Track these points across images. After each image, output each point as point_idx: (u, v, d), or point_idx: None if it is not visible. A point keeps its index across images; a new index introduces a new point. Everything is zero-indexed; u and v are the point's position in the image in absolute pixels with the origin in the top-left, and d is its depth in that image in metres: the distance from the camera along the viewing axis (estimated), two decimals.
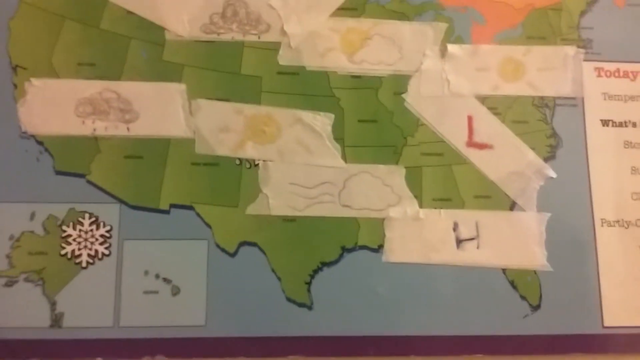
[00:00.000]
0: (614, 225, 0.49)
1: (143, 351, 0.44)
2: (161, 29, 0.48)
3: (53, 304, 0.44)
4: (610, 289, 0.48)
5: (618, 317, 0.48)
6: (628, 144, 0.50)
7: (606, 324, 0.47)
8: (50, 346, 0.44)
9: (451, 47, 0.49)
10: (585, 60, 0.50)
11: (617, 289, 0.48)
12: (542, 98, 0.50)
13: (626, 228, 0.49)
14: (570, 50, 0.50)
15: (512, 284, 0.47)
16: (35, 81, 0.46)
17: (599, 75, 0.51)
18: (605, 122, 0.50)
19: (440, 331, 0.46)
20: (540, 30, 0.51)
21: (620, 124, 0.50)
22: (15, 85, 0.46)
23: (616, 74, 0.51)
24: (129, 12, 0.48)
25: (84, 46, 0.47)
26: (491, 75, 0.50)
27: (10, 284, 0.44)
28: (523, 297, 0.47)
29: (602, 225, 0.49)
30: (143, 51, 0.48)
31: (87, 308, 0.44)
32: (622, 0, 0.51)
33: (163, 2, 0.48)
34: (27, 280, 0.44)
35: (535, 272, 0.47)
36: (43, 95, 0.46)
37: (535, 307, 0.47)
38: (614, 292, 0.48)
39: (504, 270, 0.47)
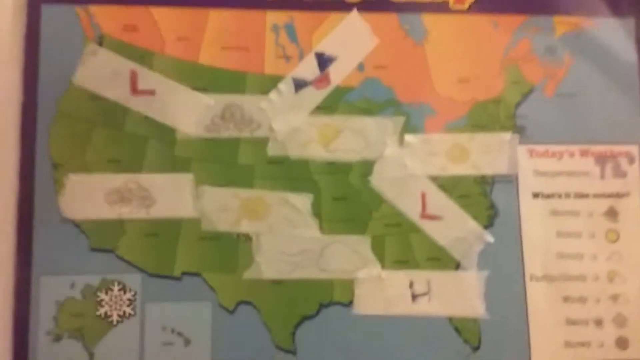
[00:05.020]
0: (542, 280, 0.52)
1: None
2: (173, 130, 0.52)
3: (91, 355, 0.49)
4: (537, 332, 0.52)
5: (543, 356, 0.52)
6: (554, 212, 0.54)
7: None
8: None
9: (407, 137, 0.53)
10: (520, 143, 0.54)
11: (543, 332, 0.52)
12: (483, 176, 0.53)
13: (551, 282, 0.52)
14: (507, 136, 0.54)
15: (457, 329, 0.51)
16: (72, 176, 0.50)
17: (531, 156, 0.54)
18: (535, 195, 0.54)
19: None
20: (482, 120, 0.54)
21: (548, 196, 0.54)
22: (55, 180, 0.50)
23: (545, 154, 0.54)
24: (147, 117, 0.51)
25: (111, 146, 0.51)
26: (441, 159, 0.53)
27: (57, 339, 0.49)
28: (466, 341, 0.51)
29: (531, 280, 0.52)
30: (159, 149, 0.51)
31: (118, 357, 0.49)
32: (551, 91, 0.55)
33: (174, 107, 0.52)
34: (70, 336, 0.49)
35: (476, 319, 0.51)
36: (78, 187, 0.50)
37: (476, 348, 0.51)
38: (540, 335, 0.52)
39: (450, 319, 0.51)
